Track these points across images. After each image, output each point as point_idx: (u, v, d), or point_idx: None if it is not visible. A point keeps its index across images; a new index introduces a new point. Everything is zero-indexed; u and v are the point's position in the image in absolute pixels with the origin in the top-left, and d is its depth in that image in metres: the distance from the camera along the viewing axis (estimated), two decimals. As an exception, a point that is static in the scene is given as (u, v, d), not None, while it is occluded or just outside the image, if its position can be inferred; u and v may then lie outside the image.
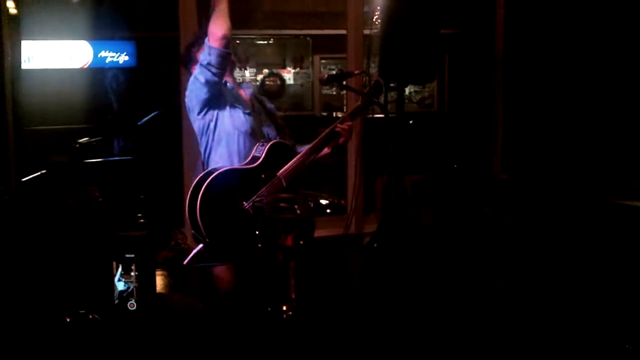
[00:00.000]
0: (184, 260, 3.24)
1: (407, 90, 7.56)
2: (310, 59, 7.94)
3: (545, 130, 5.65)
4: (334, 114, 8.18)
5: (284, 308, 2.12)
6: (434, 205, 5.08)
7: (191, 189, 3.37)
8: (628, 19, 5.18)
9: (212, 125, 3.60)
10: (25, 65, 6.26)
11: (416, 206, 4.92)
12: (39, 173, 5.03)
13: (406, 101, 4.61)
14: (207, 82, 3.48)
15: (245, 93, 3.77)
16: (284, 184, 3.53)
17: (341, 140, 3.78)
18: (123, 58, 6.79)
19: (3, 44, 4.75)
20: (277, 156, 3.58)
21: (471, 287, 2.63)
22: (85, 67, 6.65)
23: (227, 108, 3.59)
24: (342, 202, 6.17)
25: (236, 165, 3.53)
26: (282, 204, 2.17)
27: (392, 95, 4.49)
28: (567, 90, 5.52)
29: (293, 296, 2.13)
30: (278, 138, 3.70)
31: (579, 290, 2.63)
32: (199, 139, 3.70)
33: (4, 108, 4.78)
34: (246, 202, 3.38)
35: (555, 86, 5.62)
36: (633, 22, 5.15)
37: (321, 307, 2.26)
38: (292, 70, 8.12)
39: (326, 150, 3.79)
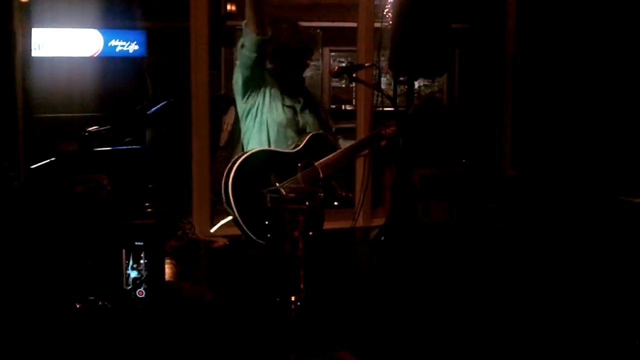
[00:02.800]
0: (191, 250, 3.26)
1: (416, 84, 7.53)
2: (320, 52, 7.93)
3: (556, 126, 5.63)
4: (343, 106, 8.17)
5: (293, 299, 2.12)
6: (441, 200, 5.07)
7: (229, 164, 3.40)
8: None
9: (253, 111, 3.68)
10: (35, 53, 6.27)
11: (424, 200, 4.91)
12: (48, 161, 5.04)
13: (415, 95, 4.60)
14: (241, 65, 3.55)
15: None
16: (321, 174, 3.53)
17: (383, 143, 3.79)
18: (133, 47, 6.79)
19: (14, 32, 4.75)
20: (317, 147, 3.60)
21: (475, 282, 2.63)
22: (95, 55, 6.64)
23: (268, 97, 3.64)
24: (350, 195, 6.15)
25: (270, 148, 3.56)
26: (292, 195, 2.17)
27: (402, 88, 4.48)
28: (579, 85, 5.50)
29: (302, 287, 2.13)
30: (321, 131, 3.72)
31: (587, 289, 2.63)
32: (240, 123, 3.75)
33: (14, 95, 4.78)
34: (279, 184, 3.39)
35: (566, 82, 5.60)
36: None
37: (329, 299, 2.26)
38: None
39: (366, 151, 3.81)
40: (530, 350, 1.96)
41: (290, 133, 3.65)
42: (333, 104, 8.28)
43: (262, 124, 3.65)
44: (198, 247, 3.27)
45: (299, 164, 3.51)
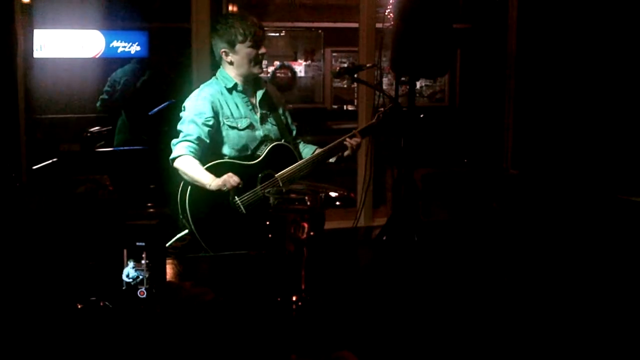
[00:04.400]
0: (191, 251, 3.26)
1: (418, 85, 7.53)
2: (322, 52, 7.92)
3: (557, 126, 5.64)
4: (345, 107, 8.17)
5: (294, 299, 2.12)
6: (443, 199, 5.08)
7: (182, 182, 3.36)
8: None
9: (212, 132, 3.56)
10: (37, 54, 6.27)
11: (426, 200, 4.92)
12: (49, 161, 5.04)
13: (417, 95, 4.60)
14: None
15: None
16: (281, 186, 3.47)
17: (346, 153, 3.68)
18: (135, 48, 6.78)
19: (16, 33, 4.76)
20: (278, 158, 3.54)
21: (477, 281, 2.63)
22: (97, 56, 6.63)
23: (222, 117, 3.53)
24: (352, 194, 6.16)
25: (234, 159, 3.48)
26: (293, 195, 2.17)
27: (404, 89, 4.48)
28: (580, 85, 5.50)
29: (303, 287, 2.13)
30: (282, 141, 3.62)
31: (588, 287, 2.63)
32: None
33: (16, 96, 4.80)
34: (238, 198, 3.33)
35: (567, 81, 5.60)
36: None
37: (331, 299, 2.27)
38: (304, 63, 8.11)
39: (330, 160, 3.72)
40: (531, 348, 1.97)
41: (250, 144, 3.56)
42: (335, 104, 8.28)
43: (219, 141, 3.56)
44: (195, 246, 3.27)
45: (260, 175, 3.45)
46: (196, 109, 3.48)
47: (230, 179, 3.25)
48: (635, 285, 2.66)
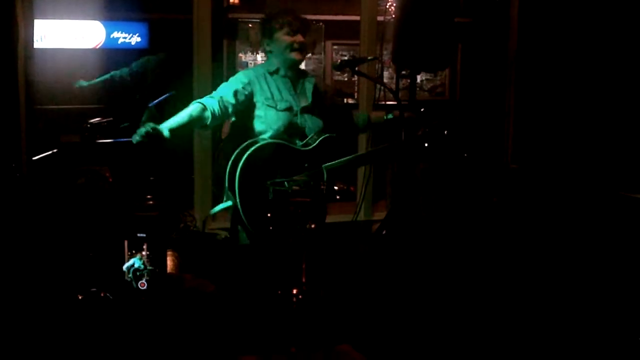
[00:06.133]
0: (191, 242, 3.27)
1: (419, 78, 7.52)
2: (323, 45, 7.90)
3: (558, 121, 5.63)
4: (345, 99, 8.17)
5: (295, 291, 2.12)
6: (443, 194, 5.07)
7: (236, 152, 3.40)
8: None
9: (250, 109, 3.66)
10: (37, 44, 6.25)
11: (426, 194, 4.91)
12: (50, 152, 5.02)
13: (418, 89, 4.59)
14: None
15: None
16: (325, 177, 3.54)
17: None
18: (135, 39, 6.77)
19: (16, 23, 4.75)
20: (326, 149, 3.61)
21: (475, 276, 2.64)
22: (98, 47, 6.62)
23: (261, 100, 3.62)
24: (352, 188, 6.16)
25: (283, 142, 3.55)
26: (295, 188, 2.17)
27: (404, 82, 4.48)
28: (581, 80, 5.49)
29: (304, 280, 2.13)
30: (333, 134, 3.71)
31: (586, 282, 2.63)
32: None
33: (17, 87, 4.78)
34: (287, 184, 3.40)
35: (569, 76, 5.59)
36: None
37: (331, 292, 2.27)
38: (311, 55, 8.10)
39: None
40: (528, 343, 1.97)
41: (289, 127, 3.63)
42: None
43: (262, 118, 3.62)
44: (199, 239, 3.27)
45: (306, 164, 3.52)
46: (232, 79, 3.62)
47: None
48: (634, 279, 2.67)
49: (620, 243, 3.55)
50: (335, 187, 6.28)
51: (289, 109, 3.63)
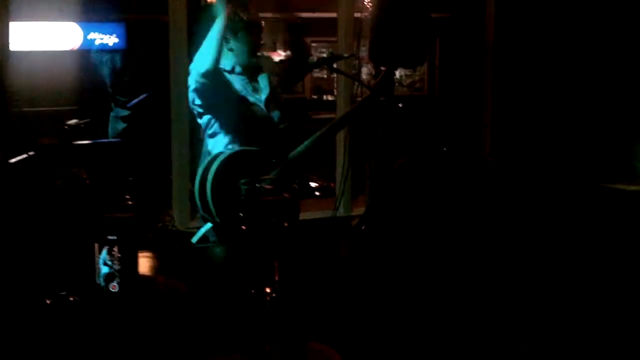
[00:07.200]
0: (168, 242, 3.25)
1: (397, 74, 7.51)
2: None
3: (535, 114, 5.65)
4: (325, 96, 8.16)
5: (268, 290, 2.11)
6: (422, 188, 5.08)
7: (201, 170, 3.38)
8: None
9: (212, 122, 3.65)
10: (13, 46, 6.21)
11: (404, 189, 4.91)
12: (26, 155, 4.99)
13: (397, 84, 4.59)
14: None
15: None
16: (294, 168, 3.53)
17: None
18: (113, 40, 6.73)
19: (-9, 26, 4.71)
20: (286, 139, 3.61)
21: (454, 271, 2.64)
22: (75, 49, 6.58)
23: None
24: (332, 185, 6.16)
25: (246, 147, 3.54)
26: (266, 186, 2.16)
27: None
28: (558, 73, 5.52)
29: (277, 278, 2.12)
30: (286, 123, 3.71)
31: (564, 273, 2.64)
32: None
33: (-8, 90, 4.74)
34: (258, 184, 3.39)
35: (545, 69, 5.62)
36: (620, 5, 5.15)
37: (307, 290, 2.26)
38: (283, 53, 8.08)
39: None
40: (505, 336, 1.97)
41: (258, 122, 3.64)
42: (315, 94, 8.27)
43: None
44: (177, 239, 3.26)
45: (273, 160, 3.49)
46: None
47: None
48: (612, 270, 2.68)
49: (598, 233, 3.56)
50: (314, 184, 6.29)
51: (255, 105, 3.63)
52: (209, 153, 3.69)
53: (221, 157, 3.37)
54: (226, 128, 3.61)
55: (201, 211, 3.37)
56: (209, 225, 3.36)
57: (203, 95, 3.57)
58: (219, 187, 3.30)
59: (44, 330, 1.86)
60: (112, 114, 6.63)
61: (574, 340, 1.94)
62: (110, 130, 6.65)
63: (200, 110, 3.69)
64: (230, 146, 3.57)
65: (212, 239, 3.50)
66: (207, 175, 3.33)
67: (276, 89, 3.85)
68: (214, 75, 3.53)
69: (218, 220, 3.27)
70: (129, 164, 5.63)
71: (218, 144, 3.67)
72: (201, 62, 3.54)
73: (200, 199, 3.33)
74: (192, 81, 3.56)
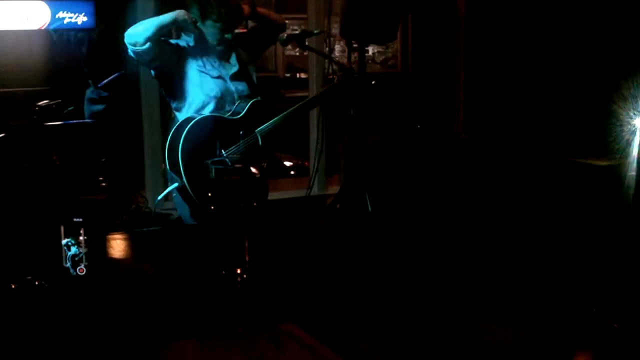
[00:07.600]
0: (142, 223, 3.23)
1: (370, 51, 7.50)
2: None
3: (508, 90, 5.66)
4: (298, 74, 8.12)
5: (238, 271, 2.10)
6: (395, 165, 5.08)
7: (173, 130, 3.38)
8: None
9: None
10: (-20, 27, 6.11)
11: (378, 166, 4.91)
12: (-4, 137, 4.94)
13: (369, 61, 4.57)
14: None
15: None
16: (260, 142, 3.52)
17: None
18: (82, 19, 6.63)
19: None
20: (257, 114, 3.59)
21: (429, 248, 2.63)
22: (43, 28, 6.48)
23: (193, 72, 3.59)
24: (306, 163, 6.15)
25: (218, 114, 3.53)
26: (235, 165, 2.14)
27: (356, 55, 4.46)
28: (529, 50, 5.52)
29: (247, 259, 2.10)
30: (259, 97, 3.68)
31: (538, 245, 2.65)
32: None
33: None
34: (224, 151, 3.39)
35: (516, 47, 5.62)
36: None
37: (277, 270, 2.25)
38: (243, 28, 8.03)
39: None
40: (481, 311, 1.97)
41: (224, 95, 3.62)
42: (287, 73, 8.23)
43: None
44: (149, 220, 3.24)
45: (241, 132, 3.49)
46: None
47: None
48: (581, 240, 2.69)
49: (569, 206, 3.58)
50: (289, 163, 6.27)
51: (220, 77, 3.61)
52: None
53: (193, 121, 3.38)
54: (187, 102, 3.58)
55: (169, 170, 3.38)
56: (175, 184, 3.37)
57: (144, 62, 3.58)
58: (189, 148, 3.30)
59: (9, 315, 1.83)
60: (86, 94, 6.55)
61: (541, 316, 1.94)
62: (85, 111, 6.58)
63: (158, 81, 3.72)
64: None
65: (189, 222, 3.49)
66: (179, 135, 3.33)
67: (246, 64, 3.80)
68: (155, 48, 3.49)
69: (186, 181, 3.28)
70: (102, 145, 5.58)
71: (183, 116, 3.66)
72: (133, 33, 3.51)
73: (170, 160, 3.34)
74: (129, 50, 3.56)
